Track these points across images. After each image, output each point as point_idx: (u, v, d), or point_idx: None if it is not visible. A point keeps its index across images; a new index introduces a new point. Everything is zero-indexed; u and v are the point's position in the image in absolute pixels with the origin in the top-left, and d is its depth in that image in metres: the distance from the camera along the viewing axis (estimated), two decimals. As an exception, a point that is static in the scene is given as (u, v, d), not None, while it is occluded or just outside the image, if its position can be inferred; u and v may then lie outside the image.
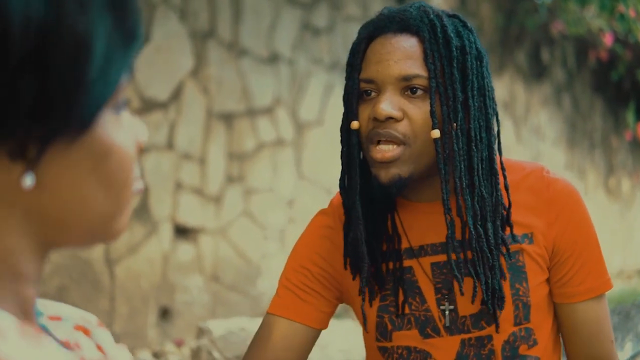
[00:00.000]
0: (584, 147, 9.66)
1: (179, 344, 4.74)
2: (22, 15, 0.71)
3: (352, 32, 6.09)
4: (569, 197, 1.76)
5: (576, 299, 1.77)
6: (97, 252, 4.55)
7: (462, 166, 1.65)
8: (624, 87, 9.85)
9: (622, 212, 10.65)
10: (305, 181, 5.79)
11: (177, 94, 4.99)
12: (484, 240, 1.67)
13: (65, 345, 0.87)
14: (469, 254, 1.70)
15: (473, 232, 1.66)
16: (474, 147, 1.66)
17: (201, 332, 3.67)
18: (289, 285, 1.83)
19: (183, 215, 5.03)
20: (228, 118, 5.31)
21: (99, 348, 0.92)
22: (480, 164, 1.67)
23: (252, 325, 3.58)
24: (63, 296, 4.38)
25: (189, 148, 5.06)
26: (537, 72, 8.68)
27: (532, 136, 8.62)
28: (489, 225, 1.68)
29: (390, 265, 1.77)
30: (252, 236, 5.46)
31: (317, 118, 5.93)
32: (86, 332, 0.92)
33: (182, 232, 5.03)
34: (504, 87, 8.10)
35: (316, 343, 3.80)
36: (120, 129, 0.81)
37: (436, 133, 1.62)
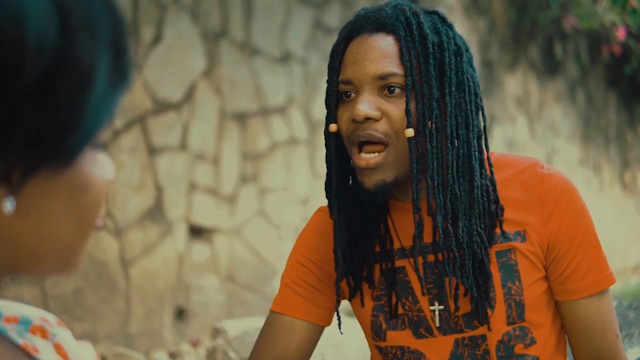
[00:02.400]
0: (599, 142, 9.63)
1: (195, 344, 4.75)
2: (37, 42, 0.70)
3: (364, 30, 6.07)
4: (564, 192, 1.73)
5: (577, 296, 1.74)
6: (112, 254, 4.56)
7: (435, 165, 1.64)
8: (638, 81, 9.81)
9: (638, 206, 10.60)
10: (320, 180, 5.78)
11: (190, 95, 5.00)
12: (453, 239, 1.66)
13: (24, 349, 0.87)
14: (439, 256, 1.70)
15: (441, 232, 1.66)
16: (449, 145, 1.65)
17: (217, 332, 3.67)
18: (289, 282, 1.84)
19: (197, 216, 5.03)
20: (241, 118, 5.31)
21: (59, 348, 0.92)
22: (455, 162, 1.66)
23: (268, 324, 3.58)
24: (79, 298, 4.39)
25: (203, 148, 5.06)
26: (550, 67, 8.65)
27: (546, 132, 8.60)
28: (461, 223, 1.66)
29: (383, 265, 1.77)
30: (267, 236, 5.46)
31: (330, 117, 5.92)
32: (44, 333, 0.92)
33: (197, 232, 5.04)
34: (518, 83, 8.08)
35: (332, 342, 3.81)
36: (96, 165, 0.81)
37: (410, 132, 1.61)
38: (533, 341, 1.74)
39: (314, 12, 5.87)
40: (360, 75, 1.64)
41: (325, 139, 1.72)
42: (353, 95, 1.66)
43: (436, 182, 1.64)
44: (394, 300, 1.76)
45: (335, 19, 6.04)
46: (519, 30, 8.00)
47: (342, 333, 1.82)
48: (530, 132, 8.30)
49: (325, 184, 1.75)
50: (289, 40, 5.67)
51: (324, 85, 5.74)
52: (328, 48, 5.92)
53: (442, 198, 1.65)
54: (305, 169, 5.76)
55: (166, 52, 4.86)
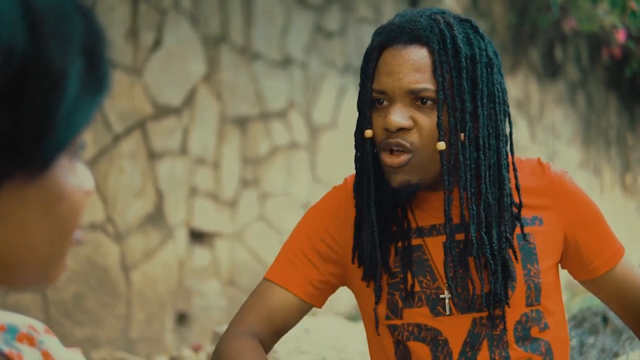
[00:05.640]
0: (600, 144, 9.62)
1: (196, 349, 4.74)
2: (5, 47, 0.70)
3: (364, 34, 6.08)
4: (563, 178, 1.83)
5: (605, 269, 1.85)
6: (113, 259, 4.56)
7: (468, 176, 1.70)
8: (638, 83, 9.81)
9: (639, 209, 10.60)
10: (320, 184, 5.78)
11: (190, 99, 5.00)
12: (487, 247, 1.72)
13: (8, 356, 0.87)
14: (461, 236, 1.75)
15: (474, 241, 1.71)
16: (482, 156, 1.71)
17: (217, 337, 3.66)
18: (288, 253, 1.86)
19: (198, 220, 5.03)
20: (242, 122, 5.31)
21: (46, 356, 0.91)
22: (487, 172, 1.72)
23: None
24: (80, 303, 4.39)
25: (203, 153, 5.06)
26: (550, 70, 8.65)
27: (547, 135, 8.59)
28: (494, 231, 1.72)
29: (399, 244, 1.80)
30: (268, 240, 5.46)
31: (331, 121, 5.92)
32: (31, 340, 0.91)
33: (198, 237, 5.03)
34: (518, 86, 8.08)
35: (333, 346, 3.80)
36: (73, 175, 0.79)
37: (441, 145, 1.68)
38: (547, 326, 1.79)
39: (314, 17, 5.87)
40: (394, 88, 1.69)
41: (357, 142, 1.77)
42: (386, 103, 1.72)
43: (469, 192, 1.71)
44: (409, 279, 1.78)
45: (335, 23, 6.04)
46: (519, 33, 8.00)
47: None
48: (530, 135, 8.30)
49: (355, 185, 1.79)
50: (289, 44, 5.67)
51: (325, 90, 5.73)
52: (328, 52, 5.93)
53: (475, 208, 1.71)
54: (306, 174, 5.76)
55: (166, 57, 4.86)
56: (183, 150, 4.95)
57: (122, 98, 4.60)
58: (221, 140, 5.18)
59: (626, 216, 10.05)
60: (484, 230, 1.71)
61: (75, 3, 0.77)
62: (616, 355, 3.08)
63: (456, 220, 1.76)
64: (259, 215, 5.43)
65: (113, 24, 4.51)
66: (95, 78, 0.78)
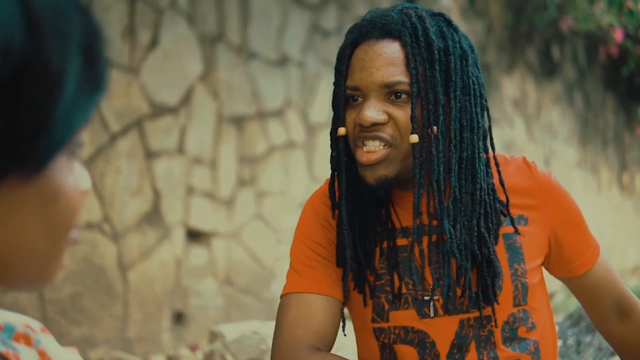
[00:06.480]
0: (597, 143, 9.63)
1: (193, 348, 4.74)
2: (3, 43, 0.70)
3: (361, 33, 6.08)
4: (550, 178, 1.81)
5: (585, 269, 1.85)
6: (110, 258, 4.55)
7: (441, 169, 1.67)
8: (635, 82, 9.81)
9: (636, 207, 10.61)
10: (317, 183, 5.78)
11: (187, 99, 4.99)
12: (454, 240, 1.69)
13: (5, 356, 0.86)
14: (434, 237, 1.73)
15: (439, 236, 1.69)
16: (452, 148, 1.68)
17: (214, 336, 3.66)
18: (307, 261, 1.79)
19: (195, 220, 5.02)
20: (238, 121, 5.31)
21: (43, 355, 0.91)
22: (457, 165, 1.69)
23: (266, 328, 3.57)
24: (76, 303, 4.38)
25: (200, 152, 5.06)
26: (547, 69, 8.66)
27: (544, 134, 8.60)
28: (459, 225, 1.69)
29: (384, 245, 1.77)
30: (265, 239, 5.45)
31: (327, 120, 5.91)
32: (27, 340, 0.91)
33: (195, 236, 5.03)
34: (515, 86, 8.08)
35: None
36: (71, 174, 0.79)
37: (414, 138, 1.64)
38: (534, 326, 1.78)
39: (310, 15, 5.87)
40: (367, 83, 1.67)
41: (332, 140, 1.74)
42: (360, 99, 1.69)
43: (442, 186, 1.67)
44: (396, 281, 1.75)
45: (332, 22, 6.03)
46: (516, 32, 8.00)
47: (345, 334, 1.80)
48: (528, 134, 8.30)
49: (330, 185, 1.77)
50: (285, 43, 5.67)
51: (322, 89, 5.71)
52: (325, 51, 5.92)
53: (444, 202, 1.68)
54: (303, 172, 5.76)
55: (163, 56, 4.86)
56: (180, 150, 4.94)
57: (119, 97, 4.59)
58: (218, 139, 5.18)
59: (623, 215, 10.06)
60: (451, 223, 1.68)
61: (74, 1, 0.76)
62: (613, 354, 3.08)
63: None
64: (256, 214, 5.43)
65: (110, 23, 4.51)
66: (93, 77, 0.77)
